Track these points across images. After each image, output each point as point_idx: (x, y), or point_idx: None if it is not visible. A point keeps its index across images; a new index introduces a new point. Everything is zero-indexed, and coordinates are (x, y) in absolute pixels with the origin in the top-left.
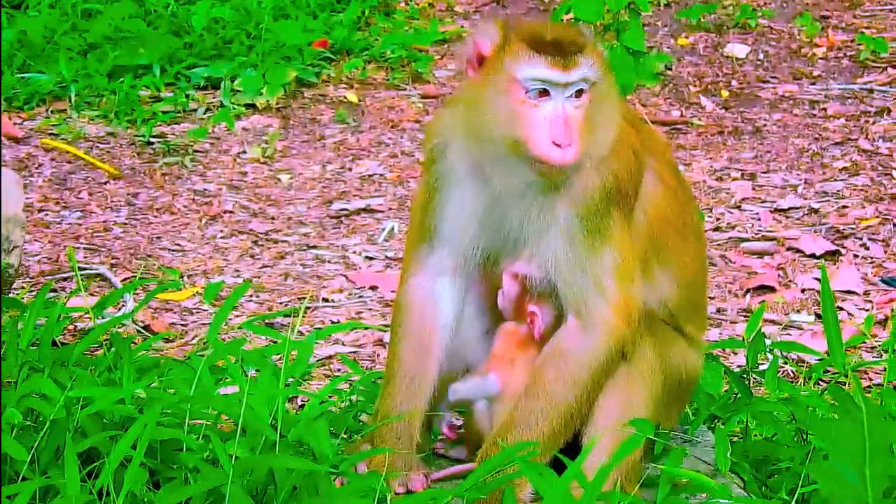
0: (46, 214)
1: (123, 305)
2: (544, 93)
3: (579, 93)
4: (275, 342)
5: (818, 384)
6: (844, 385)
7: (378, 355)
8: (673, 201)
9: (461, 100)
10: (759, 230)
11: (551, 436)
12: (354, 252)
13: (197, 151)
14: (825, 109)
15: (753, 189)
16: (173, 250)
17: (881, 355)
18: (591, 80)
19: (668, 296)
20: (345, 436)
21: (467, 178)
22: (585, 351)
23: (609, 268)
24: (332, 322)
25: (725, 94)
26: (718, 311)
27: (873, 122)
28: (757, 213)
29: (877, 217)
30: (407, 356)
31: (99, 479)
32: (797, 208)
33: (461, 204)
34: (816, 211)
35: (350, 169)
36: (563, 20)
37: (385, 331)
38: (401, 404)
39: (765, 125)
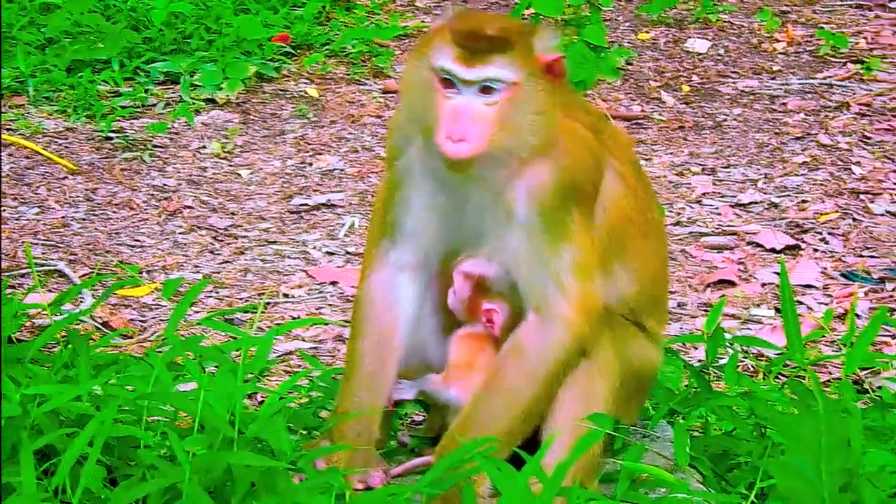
0: (4, 210)
1: (81, 302)
2: (452, 85)
3: (489, 89)
4: (234, 338)
5: (778, 378)
6: (804, 379)
7: (338, 351)
8: (633, 199)
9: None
10: (720, 225)
11: (510, 432)
12: (314, 247)
13: (156, 146)
14: (785, 104)
15: (714, 184)
16: (132, 246)
17: (840, 349)
18: (504, 80)
19: (629, 292)
20: (304, 432)
21: (427, 174)
22: (545, 347)
23: (569, 264)
24: (292, 318)
25: (686, 89)
26: (679, 305)
27: (833, 117)
28: (717, 208)
29: (836, 211)
30: (367, 353)
31: (55, 477)
32: (757, 203)
33: (422, 200)
34: (776, 205)
35: (310, 164)
36: (523, 15)
37: (345, 326)
38: (360, 401)
39: (725, 120)
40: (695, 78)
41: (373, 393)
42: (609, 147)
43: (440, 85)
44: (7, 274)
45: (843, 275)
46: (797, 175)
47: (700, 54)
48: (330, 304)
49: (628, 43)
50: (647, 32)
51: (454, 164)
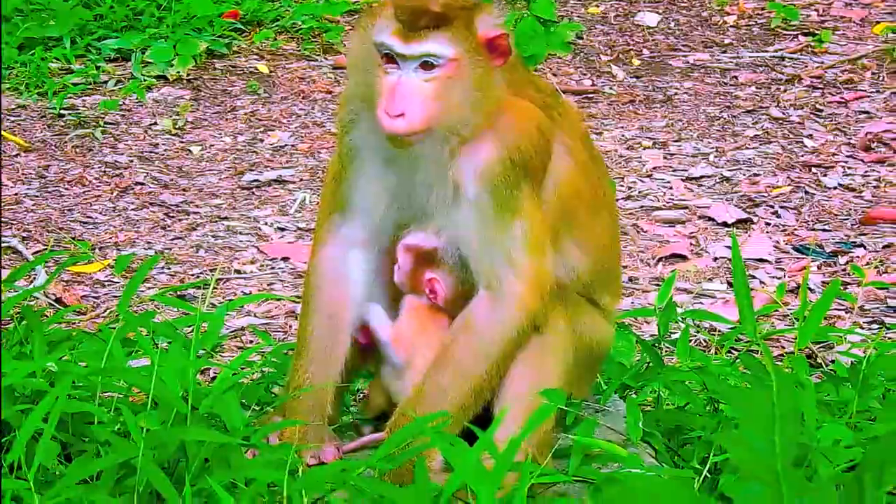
0: None
1: (34, 278)
2: (393, 60)
3: (429, 66)
4: (186, 314)
5: (730, 353)
6: (756, 353)
7: (290, 326)
8: (583, 175)
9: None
10: (671, 199)
11: (461, 408)
12: (266, 223)
13: (108, 123)
14: (736, 77)
15: (665, 158)
16: (85, 222)
17: (793, 323)
18: (442, 55)
19: (581, 268)
20: (256, 408)
21: (377, 149)
22: (496, 324)
23: (519, 241)
24: (244, 294)
25: (637, 62)
26: (630, 280)
27: (784, 90)
28: (668, 182)
29: (788, 185)
30: (318, 328)
31: (10, 453)
32: (709, 177)
33: (372, 176)
34: (728, 179)
35: (261, 140)
36: None
37: (297, 302)
38: (312, 376)
39: (676, 94)
40: (645, 52)
41: (324, 368)
42: (559, 123)
43: (381, 60)
44: None
45: (795, 248)
46: (749, 148)
47: (650, 28)
48: (281, 280)
49: (578, 17)
50: (596, 6)
51: (393, 140)
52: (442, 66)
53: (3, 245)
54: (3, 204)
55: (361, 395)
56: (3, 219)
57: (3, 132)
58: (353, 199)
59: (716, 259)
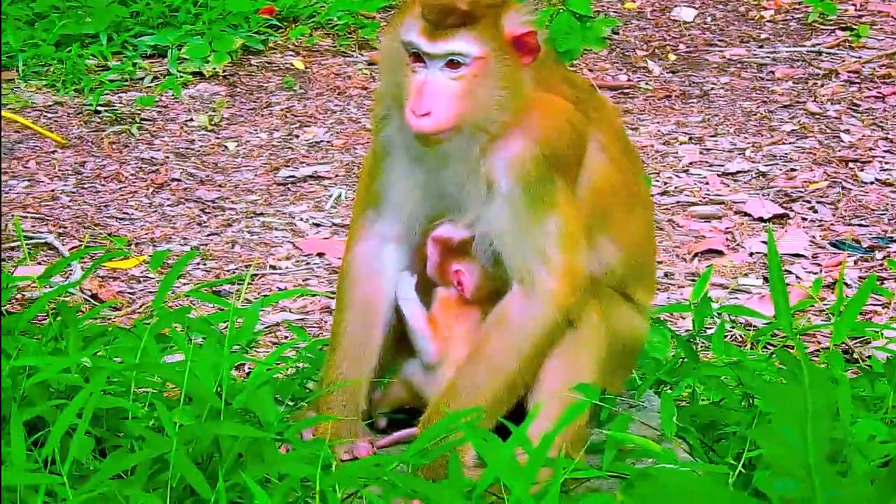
0: None
1: (70, 274)
2: (420, 59)
3: (455, 64)
4: (221, 310)
5: (766, 349)
6: (792, 349)
7: (325, 322)
8: (617, 171)
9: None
10: (707, 194)
11: (494, 403)
12: (301, 219)
13: (144, 120)
14: (773, 72)
15: (701, 153)
16: (120, 218)
17: (829, 319)
18: (468, 54)
19: (614, 264)
20: (290, 403)
21: (409, 146)
22: (529, 319)
23: (553, 236)
24: (279, 289)
25: (673, 57)
26: (666, 275)
27: (821, 85)
28: (705, 177)
29: (825, 180)
30: (352, 323)
31: (44, 448)
32: (745, 172)
33: (405, 172)
34: (764, 174)
35: (297, 136)
36: None
37: (332, 298)
38: (346, 372)
39: (712, 89)
40: (681, 47)
41: (358, 364)
42: (593, 119)
43: (409, 59)
44: None
45: (831, 244)
46: (785, 143)
47: (687, 23)
48: (317, 276)
49: (614, 12)
50: (633, 1)
51: (420, 139)
52: (468, 64)
53: (37, 241)
54: (39, 200)
55: None
56: (38, 215)
57: (40, 129)
58: (386, 194)
59: (752, 254)
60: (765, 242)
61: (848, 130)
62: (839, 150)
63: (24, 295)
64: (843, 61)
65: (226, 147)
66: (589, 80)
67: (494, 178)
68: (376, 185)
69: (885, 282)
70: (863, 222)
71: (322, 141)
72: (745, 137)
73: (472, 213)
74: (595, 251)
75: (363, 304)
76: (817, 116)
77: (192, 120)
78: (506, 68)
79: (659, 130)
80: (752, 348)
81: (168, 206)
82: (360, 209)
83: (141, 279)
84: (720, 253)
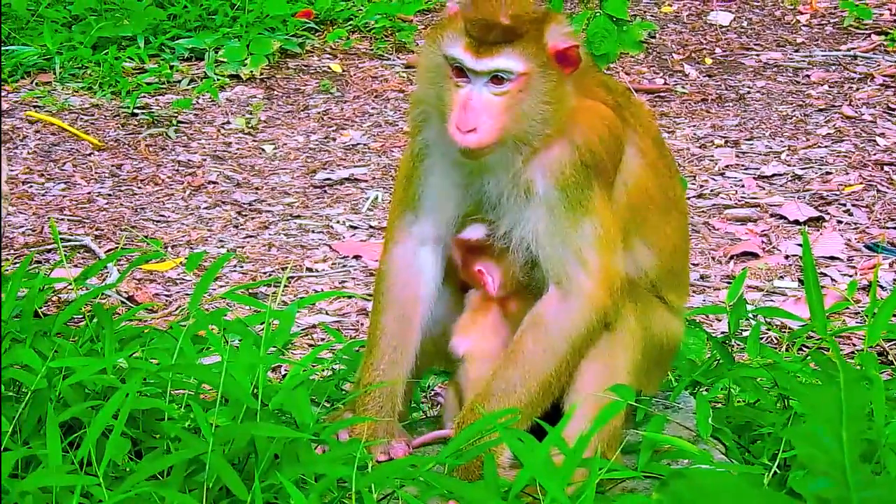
0: (31, 186)
1: (107, 276)
2: (463, 73)
3: (499, 79)
4: (258, 312)
5: (801, 350)
6: (827, 351)
7: (361, 324)
8: (654, 175)
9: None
10: (743, 197)
11: (529, 405)
12: (338, 221)
13: (181, 122)
14: (808, 76)
15: (737, 156)
16: (157, 221)
17: (864, 321)
18: (513, 70)
19: (649, 267)
20: (327, 404)
21: (447, 151)
22: (565, 321)
23: (590, 238)
24: (316, 291)
25: (709, 61)
26: (702, 277)
27: (857, 89)
28: (740, 180)
29: (860, 183)
30: (389, 325)
31: (80, 449)
32: (781, 175)
33: (442, 175)
34: (800, 177)
35: (334, 139)
36: None
37: (368, 300)
38: (383, 373)
39: (748, 92)
40: (718, 50)
41: (395, 365)
42: (630, 123)
43: (452, 73)
44: (34, 248)
45: (866, 246)
46: (821, 147)
47: (723, 27)
48: (353, 278)
49: (651, 16)
50: (669, 5)
51: (465, 153)
52: (512, 80)
53: (74, 243)
54: (76, 203)
55: (432, 392)
56: (75, 217)
57: (77, 131)
58: (423, 197)
59: (787, 257)
60: (800, 245)
61: (883, 134)
62: (874, 154)
63: (60, 297)
64: (879, 65)
65: (263, 150)
66: (625, 84)
67: (533, 182)
68: (413, 187)
69: None
70: None
71: (359, 143)
72: (781, 141)
73: (509, 215)
74: (630, 254)
75: (400, 305)
76: (853, 120)
77: (228, 123)
78: (549, 83)
79: (695, 134)
80: (787, 350)
81: (204, 208)
82: (398, 211)
83: (177, 281)
84: (756, 255)
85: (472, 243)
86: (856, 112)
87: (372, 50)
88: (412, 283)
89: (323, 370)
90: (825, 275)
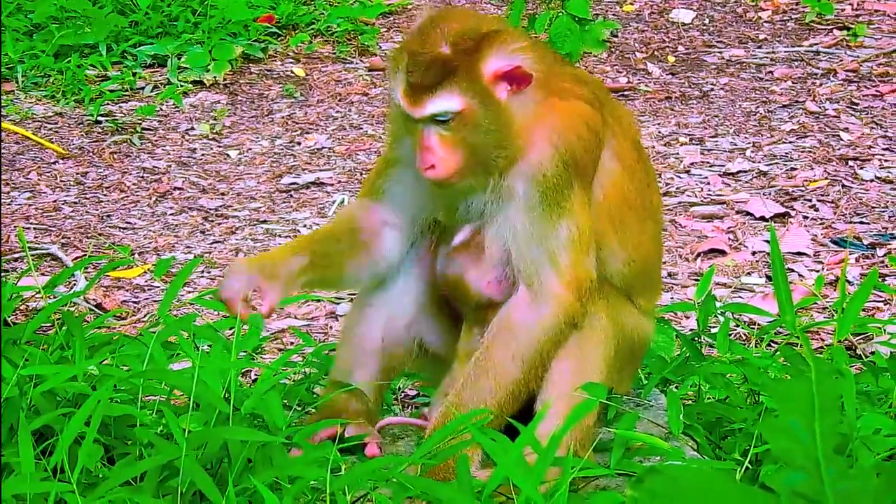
0: None
1: (74, 284)
2: None
3: (441, 120)
4: (226, 317)
5: (770, 346)
6: (796, 346)
7: (330, 327)
8: (630, 180)
9: None
10: (709, 194)
11: (499, 408)
12: (305, 226)
13: (145, 129)
14: (772, 73)
15: (702, 153)
16: (124, 228)
17: (832, 316)
18: (448, 111)
19: (622, 272)
20: (298, 408)
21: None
22: (534, 324)
23: (564, 241)
24: None
25: (672, 59)
26: (669, 275)
27: (820, 84)
28: (706, 178)
29: (825, 178)
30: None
31: (54, 456)
32: (746, 171)
33: (416, 180)
34: (765, 174)
35: (299, 143)
36: None
37: (337, 303)
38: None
39: (712, 90)
40: (680, 48)
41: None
42: (610, 126)
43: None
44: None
45: (833, 241)
46: (785, 143)
47: (685, 24)
48: None
49: (613, 15)
50: (631, 4)
51: (434, 184)
52: (452, 118)
53: (42, 252)
54: (41, 211)
55: (402, 393)
56: (41, 226)
57: (40, 139)
58: (391, 191)
59: (754, 253)
60: (767, 241)
61: (847, 129)
62: (839, 149)
63: (28, 306)
64: (841, 60)
65: (228, 155)
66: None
67: (513, 186)
68: (382, 180)
69: (886, 278)
70: (864, 220)
71: (324, 147)
72: (746, 137)
73: (488, 215)
74: (603, 257)
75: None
76: (816, 115)
77: (193, 129)
78: (491, 111)
79: (659, 132)
80: (756, 346)
81: (171, 214)
82: (358, 196)
83: (145, 288)
84: (723, 252)
85: (458, 246)
86: (819, 107)
87: (335, 54)
88: (366, 230)
89: (294, 374)
90: (792, 270)
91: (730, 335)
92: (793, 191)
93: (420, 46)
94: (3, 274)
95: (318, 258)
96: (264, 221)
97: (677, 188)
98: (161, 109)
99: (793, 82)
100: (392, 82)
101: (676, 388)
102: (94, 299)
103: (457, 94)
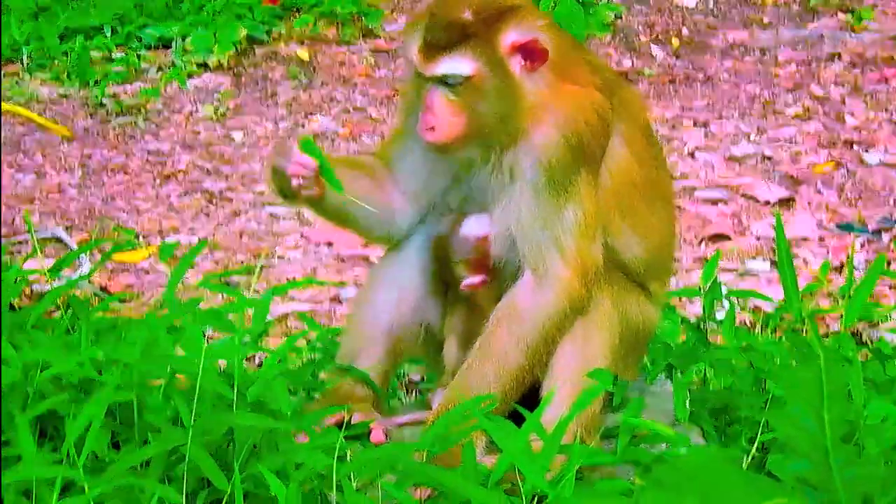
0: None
1: (80, 267)
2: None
3: (450, 81)
4: (231, 300)
5: (775, 332)
6: (801, 332)
7: (334, 311)
8: (638, 165)
9: None
10: (713, 178)
11: (503, 394)
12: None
13: (150, 111)
14: (776, 56)
15: (706, 137)
16: (128, 211)
17: (837, 301)
18: (459, 74)
19: (632, 257)
20: (303, 393)
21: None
22: (538, 308)
23: (570, 225)
24: (289, 279)
25: (676, 42)
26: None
27: (824, 68)
28: (710, 161)
29: (830, 162)
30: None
31: (65, 442)
32: (750, 155)
33: (423, 153)
34: (770, 158)
35: (303, 125)
36: None
37: (341, 287)
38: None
39: (716, 73)
40: (685, 31)
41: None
42: (619, 111)
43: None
44: (6, 240)
45: (838, 226)
46: (790, 126)
47: (689, 8)
48: (325, 265)
49: None
50: None
51: (430, 147)
52: (461, 83)
53: (47, 236)
54: (46, 193)
55: (407, 379)
56: (37, 207)
57: (45, 121)
58: (399, 159)
59: (758, 238)
60: (771, 226)
61: (852, 113)
62: (844, 133)
63: (33, 289)
64: (846, 44)
65: (232, 137)
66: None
67: (519, 166)
68: (391, 149)
69: (891, 264)
70: (869, 204)
71: (327, 130)
72: (750, 121)
73: (494, 198)
74: (612, 243)
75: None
76: (821, 99)
77: (197, 111)
78: (503, 82)
79: (664, 115)
80: (761, 332)
81: (175, 197)
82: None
83: (150, 271)
84: (727, 237)
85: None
86: (824, 91)
87: (339, 36)
88: (381, 181)
89: (299, 359)
90: (797, 255)
91: (735, 321)
92: (797, 175)
93: (442, 9)
94: (7, 257)
95: (348, 168)
96: (269, 204)
97: (681, 172)
98: (165, 92)
99: (797, 66)
100: (408, 40)
101: (682, 374)
102: (98, 282)
103: (470, 58)
